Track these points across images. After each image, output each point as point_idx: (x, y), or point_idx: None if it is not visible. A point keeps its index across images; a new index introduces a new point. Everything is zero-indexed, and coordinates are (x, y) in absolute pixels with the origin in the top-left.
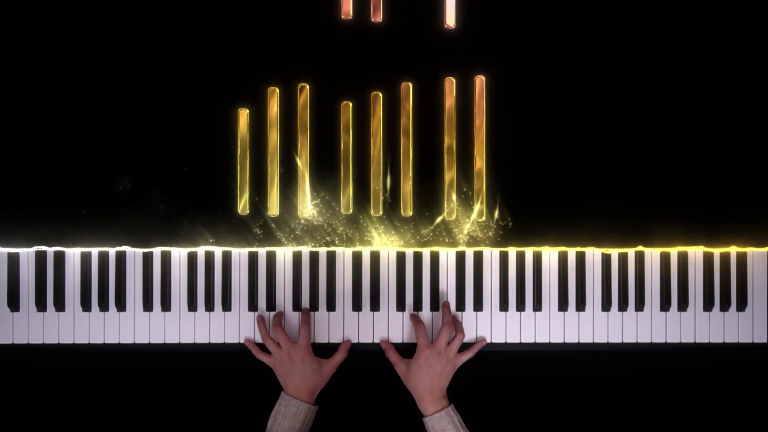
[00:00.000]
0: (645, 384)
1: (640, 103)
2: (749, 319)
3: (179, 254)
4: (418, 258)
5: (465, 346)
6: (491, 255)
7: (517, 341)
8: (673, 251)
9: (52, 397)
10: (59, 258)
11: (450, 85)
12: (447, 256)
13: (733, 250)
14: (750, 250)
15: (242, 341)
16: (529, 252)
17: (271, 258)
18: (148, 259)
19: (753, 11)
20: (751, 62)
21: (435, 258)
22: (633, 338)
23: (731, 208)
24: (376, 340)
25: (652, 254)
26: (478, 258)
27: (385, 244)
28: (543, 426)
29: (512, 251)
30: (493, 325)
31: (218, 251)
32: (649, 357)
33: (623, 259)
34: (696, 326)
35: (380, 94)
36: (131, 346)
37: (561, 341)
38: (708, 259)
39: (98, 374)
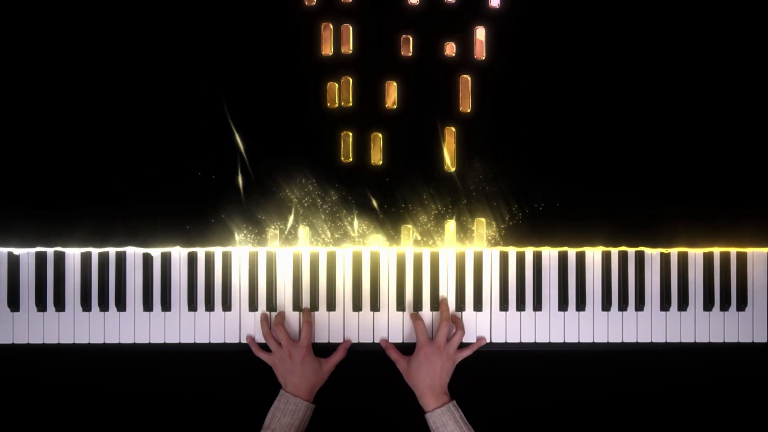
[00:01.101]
0: (645, 383)
1: (640, 106)
2: (749, 319)
3: (179, 254)
4: (418, 258)
5: (464, 345)
6: (491, 255)
7: (517, 341)
8: (673, 251)
9: (52, 396)
10: (59, 258)
11: (449, 227)
12: (447, 256)
13: (733, 250)
14: (750, 250)
15: (242, 341)
16: (529, 252)
17: (271, 258)
18: (148, 259)
19: (754, 14)
20: (752, 63)
21: (435, 258)
22: (633, 338)
23: (731, 208)
24: (376, 340)
25: (652, 254)
26: (478, 258)
27: None
28: (543, 425)
29: (512, 251)
30: (493, 325)
31: (218, 251)
32: (649, 357)
33: (623, 259)
34: (696, 326)
35: (381, 236)
36: (131, 346)
37: (561, 341)
38: (708, 259)
39: (98, 374)
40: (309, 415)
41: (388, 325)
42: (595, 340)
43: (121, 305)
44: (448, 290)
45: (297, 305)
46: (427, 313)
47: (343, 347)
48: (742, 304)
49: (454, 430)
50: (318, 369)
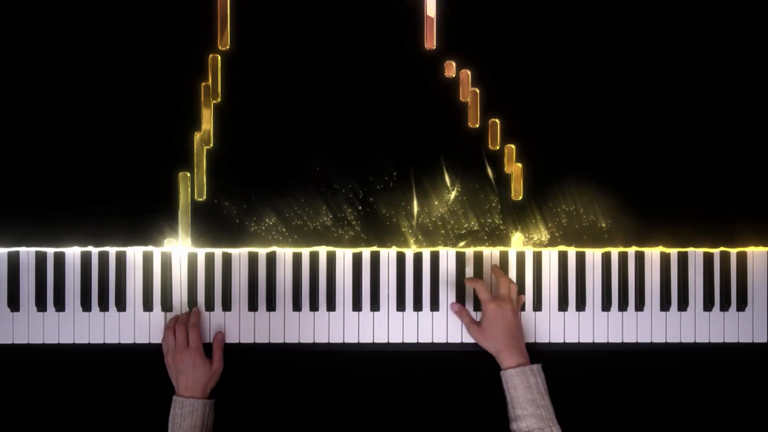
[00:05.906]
0: (645, 383)
1: (640, 105)
2: (749, 318)
3: (179, 254)
4: (418, 258)
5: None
6: (491, 255)
7: None
8: (673, 251)
9: (53, 397)
10: (59, 258)
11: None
12: (447, 256)
13: (733, 250)
14: (750, 250)
15: (243, 341)
16: (529, 252)
17: (271, 258)
18: (148, 259)
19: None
20: (753, 62)
21: (435, 258)
22: (633, 338)
23: (731, 208)
24: (377, 340)
25: (652, 254)
26: (478, 258)
27: None
28: None
29: (512, 251)
30: None
31: (218, 251)
32: (649, 357)
33: (623, 259)
34: (696, 326)
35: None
36: (132, 346)
37: (561, 341)
38: (708, 259)
39: (98, 374)
40: (210, 411)
41: (388, 325)
42: (595, 341)
43: (121, 305)
44: (448, 290)
45: (297, 305)
46: (427, 313)
47: (217, 344)
48: (742, 304)
49: (523, 395)
50: (208, 370)
